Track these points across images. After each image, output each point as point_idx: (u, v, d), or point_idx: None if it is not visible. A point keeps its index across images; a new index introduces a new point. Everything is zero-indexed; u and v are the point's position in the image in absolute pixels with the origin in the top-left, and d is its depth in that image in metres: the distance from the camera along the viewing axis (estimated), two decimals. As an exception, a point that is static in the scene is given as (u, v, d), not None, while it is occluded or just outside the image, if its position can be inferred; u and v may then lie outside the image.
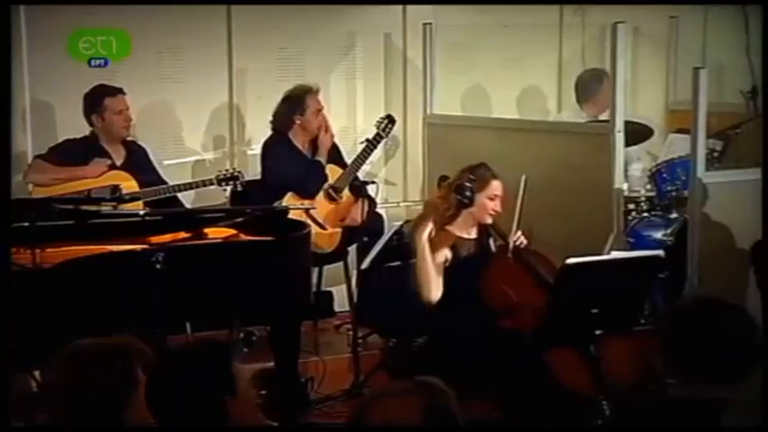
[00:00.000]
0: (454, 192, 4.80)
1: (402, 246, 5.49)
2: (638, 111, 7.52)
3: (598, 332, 4.28)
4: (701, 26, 7.66)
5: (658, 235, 5.96)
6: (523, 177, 4.76)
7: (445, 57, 6.95)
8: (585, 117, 6.66)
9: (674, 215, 6.05)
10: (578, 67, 7.15)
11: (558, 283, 4.35)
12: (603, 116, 6.48)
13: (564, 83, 7.12)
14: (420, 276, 4.70)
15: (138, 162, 6.01)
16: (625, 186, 5.99)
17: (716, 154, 6.17)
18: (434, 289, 4.69)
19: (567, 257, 4.33)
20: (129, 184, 5.75)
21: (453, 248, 4.78)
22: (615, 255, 4.86)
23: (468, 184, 4.80)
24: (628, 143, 5.82)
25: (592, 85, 6.74)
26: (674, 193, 6.06)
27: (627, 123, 5.77)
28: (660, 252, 4.68)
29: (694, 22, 7.59)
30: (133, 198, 5.57)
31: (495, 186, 4.86)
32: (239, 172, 5.94)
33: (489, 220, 4.86)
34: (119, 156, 5.98)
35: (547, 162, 5.99)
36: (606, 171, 5.64)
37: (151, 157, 6.16)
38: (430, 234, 4.71)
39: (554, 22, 7.44)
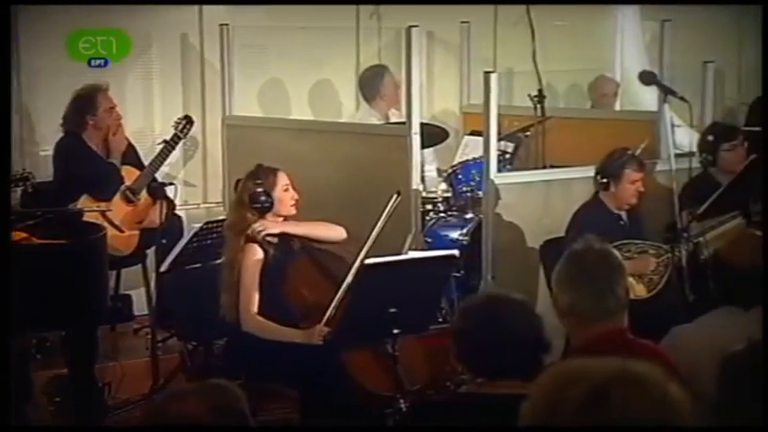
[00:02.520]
0: (251, 204, 4.77)
1: (202, 248, 5.44)
2: (433, 113, 7.71)
3: (396, 331, 4.34)
4: (492, 31, 7.90)
5: (455, 235, 6.10)
6: (396, 195, 4.77)
7: (243, 58, 6.93)
8: (377, 115, 6.76)
9: (469, 215, 6.20)
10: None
11: (355, 283, 4.40)
12: (394, 113, 6.61)
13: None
14: (245, 296, 4.66)
15: None
16: (421, 187, 6.11)
17: (507, 155, 6.36)
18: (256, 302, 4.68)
19: (365, 258, 4.39)
20: None
21: (266, 254, 4.76)
22: (412, 255, 4.94)
23: (259, 190, 4.78)
24: (424, 145, 5.94)
25: (374, 81, 6.85)
26: (469, 194, 6.21)
27: (423, 125, 5.89)
28: (455, 251, 4.79)
29: (485, 27, 7.81)
30: None
31: (283, 177, 4.87)
32: (29, 173, 5.74)
33: (294, 210, 4.87)
34: None
35: (345, 163, 6.06)
36: (403, 172, 5.74)
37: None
38: (249, 253, 4.69)
39: (351, 24, 7.52)
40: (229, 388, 2.26)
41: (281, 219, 4.85)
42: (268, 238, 4.77)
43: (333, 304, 4.48)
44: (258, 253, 4.70)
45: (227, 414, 2.19)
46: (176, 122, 6.40)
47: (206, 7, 7.01)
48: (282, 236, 4.84)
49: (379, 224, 4.64)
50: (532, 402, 1.78)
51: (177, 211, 6.41)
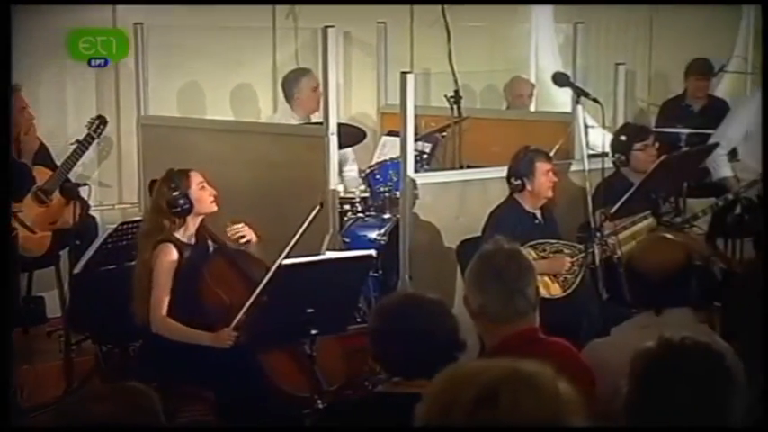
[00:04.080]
0: (170, 209, 4.73)
1: (117, 249, 5.38)
2: (351, 114, 7.72)
3: (313, 332, 4.34)
4: (408, 32, 7.94)
5: (373, 235, 6.12)
6: (318, 207, 4.74)
7: (159, 58, 6.86)
8: (297, 118, 6.76)
9: (387, 215, 6.22)
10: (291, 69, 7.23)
11: (273, 283, 4.39)
12: (315, 117, 6.61)
13: (278, 85, 7.18)
14: (156, 298, 4.62)
15: None
16: (341, 188, 6.12)
17: (425, 156, 6.40)
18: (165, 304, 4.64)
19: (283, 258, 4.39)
20: None
21: (181, 256, 4.72)
22: (329, 255, 4.94)
23: (175, 194, 4.74)
24: (341, 145, 5.95)
25: (292, 83, 6.84)
26: (386, 194, 6.23)
27: (340, 126, 5.90)
28: (372, 251, 4.80)
29: (401, 28, 7.85)
30: None
31: (197, 176, 4.83)
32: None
33: (215, 207, 4.84)
34: None
35: (262, 163, 6.04)
36: (321, 172, 5.74)
37: None
38: (163, 253, 4.65)
39: (267, 24, 7.49)
40: (142, 390, 2.25)
41: (201, 217, 4.82)
42: (182, 239, 4.74)
43: (244, 308, 4.47)
44: (173, 254, 4.66)
45: (140, 416, 2.19)
46: (89, 122, 6.33)
47: (120, 7, 6.92)
48: (198, 236, 4.82)
49: (298, 234, 4.63)
50: (426, 404, 1.79)
51: (92, 212, 6.33)
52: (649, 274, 3.34)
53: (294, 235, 4.60)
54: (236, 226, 4.85)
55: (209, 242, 4.88)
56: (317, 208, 4.72)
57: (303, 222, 4.64)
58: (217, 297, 4.65)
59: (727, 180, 6.49)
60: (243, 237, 4.84)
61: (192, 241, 4.81)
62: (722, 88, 8.75)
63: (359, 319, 5.40)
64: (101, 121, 6.36)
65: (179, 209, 4.73)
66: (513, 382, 1.74)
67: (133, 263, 4.92)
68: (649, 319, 3.31)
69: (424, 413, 1.79)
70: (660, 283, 3.31)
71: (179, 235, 4.76)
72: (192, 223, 4.80)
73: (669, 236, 3.70)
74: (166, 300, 4.62)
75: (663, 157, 5.79)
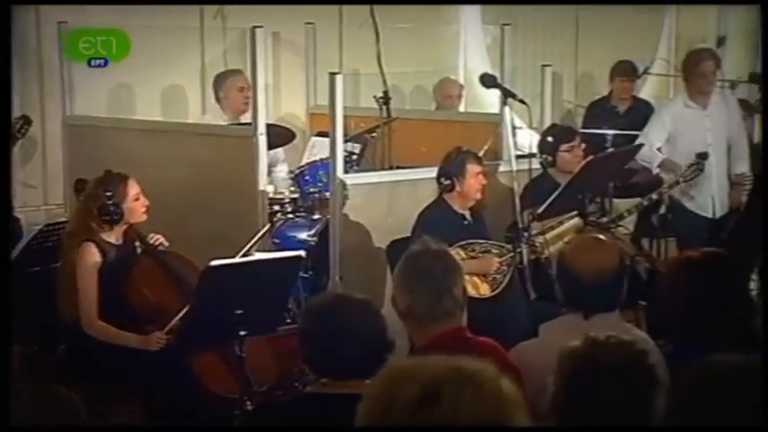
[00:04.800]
0: (100, 215, 4.68)
1: (42, 250, 5.31)
2: (280, 114, 7.70)
3: (243, 333, 4.33)
4: (337, 33, 7.94)
5: (303, 235, 6.11)
6: (269, 225, 4.73)
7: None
8: (227, 119, 6.73)
9: (317, 216, 6.21)
10: (221, 70, 7.20)
11: (201, 284, 4.36)
12: (245, 117, 6.58)
13: (207, 86, 7.14)
14: (85, 300, 4.57)
15: None
16: (270, 188, 6.11)
17: (354, 156, 6.40)
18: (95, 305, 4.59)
19: (212, 259, 4.37)
20: None
21: (104, 256, 4.68)
22: (258, 256, 4.93)
23: (109, 202, 4.69)
24: (271, 146, 5.94)
25: (224, 85, 6.80)
26: (316, 195, 6.23)
27: (269, 126, 5.88)
28: (302, 252, 4.80)
29: (330, 28, 7.84)
30: None
31: (134, 186, 4.79)
32: None
33: (145, 217, 4.80)
34: None
35: (191, 164, 6.01)
36: (250, 173, 5.72)
37: None
38: (86, 254, 4.60)
39: (195, 24, 7.44)
40: (64, 392, 2.23)
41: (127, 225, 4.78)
42: (109, 240, 4.70)
43: (180, 314, 4.45)
44: (95, 254, 4.62)
45: (63, 418, 2.17)
46: (13, 122, 6.23)
47: (43, 6, 6.83)
48: (126, 237, 4.78)
49: (244, 250, 4.64)
50: (368, 402, 1.78)
51: (16, 214, 6.23)
52: (582, 275, 3.35)
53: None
54: (158, 236, 4.84)
55: (137, 243, 4.84)
56: (268, 226, 4.74)
57: (249, 241, 4.65)
58: (145, 298, 4.62)
59: (742, 175, 6.50)
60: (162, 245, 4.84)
61: (119, 242, 4.76)
62: (646, 90, 8.89)
63: (289, 320, 5.39)
64: (25, 121, 6.27)
65: (108, 217, 4.68)
66: (456, 381, 1.73)
67: (59, 264, 4.86)
68: (577, 319, 3.34)
69: (365, 411, 1.77)
70: (593, 285, 3.34)
71: (105, 236, 4.71)
72: (120, 227, 4.76)
73: (602, 237, 3.73)
74: (95, 301, 4.57)
75: (588, 158, 5.86)
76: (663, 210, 6.11)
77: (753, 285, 6.82)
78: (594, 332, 2.52)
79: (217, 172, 5.90)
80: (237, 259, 4.50)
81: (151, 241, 4.81)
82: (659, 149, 6.54)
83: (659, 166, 6.45)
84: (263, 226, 5.71)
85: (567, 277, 3.41)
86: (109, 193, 4.68)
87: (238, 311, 4.29)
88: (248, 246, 4.76)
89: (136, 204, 4.76)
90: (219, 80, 6.85)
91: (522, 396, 1.79)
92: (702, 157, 5.96)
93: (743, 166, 6.45)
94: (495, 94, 6.20)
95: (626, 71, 7.96)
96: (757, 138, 8.57)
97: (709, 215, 6.32)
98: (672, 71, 8.60)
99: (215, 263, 4.31)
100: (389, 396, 1.74)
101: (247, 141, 5.74)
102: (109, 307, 4.60)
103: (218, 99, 6.84)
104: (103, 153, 5.99)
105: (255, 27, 5.71)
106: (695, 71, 6.22)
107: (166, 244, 4.85)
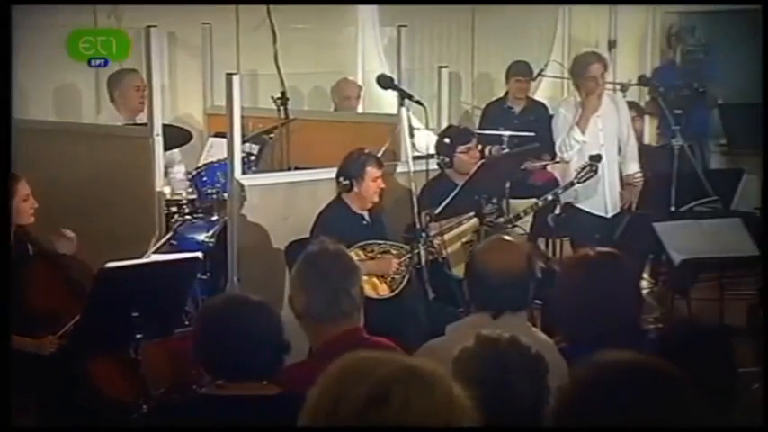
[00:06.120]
0: None
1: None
2: (177, 114, 7.62)
3: (138, 335, 4.29)
4: (234, 33, 7.89)
5: (201, 237, 6.05)
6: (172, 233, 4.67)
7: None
8: (122, 119, 6.64)
9: (215, 217, 6.17)
10: (115, 69, 7.10)
11: (96, 287, 4.31)
12: (141, 118, 6.50)
13: (101, 86, 7.04)
14: None
15: None
16: (167, 190, 6.05)
17: (252, 157, 6.38)
18: None
19: (108, 261, 4.31)
20: None
21: None
22: (154, 258, 4.89)
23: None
24: (167, 147, 5.88)
25: (118, 84, 6.72)
26: (214, 196, 6.18)
27: (165, 127, 5.83)
28: (199, 254, 4.77)
29: (227, 29, 7.80)
30: None
31: (24, 187, 4.73)
32: None
33: (32, 219, 4.72)
34: None
35: (86, 165, 5.92)
36: (146, 174, 5.66)
37: None
38: None
39: (89, 23, 7.32)
40: None
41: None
42: None
43: (75, 319, 4.38)
44: None
45: None
46: None
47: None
48: (17, 240, 4.69)
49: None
50: (316, 395, 1.73)
51: None
52: (492, 275, 3.37)
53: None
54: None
55: (29, 246, 4.76)
56: (170, 235, 4.70)
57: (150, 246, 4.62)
58: (36, 301, 4.54)
59: (632, 175, 6.58)
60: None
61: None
62: (541, 92, 9.03)
63: (187, 323, 5.34)
64: None
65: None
66: (407, 381, 1.69)
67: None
68: (486, 319, 3.36)
69: (312, 404, 1.72)
70: (502, 285, 3.36)
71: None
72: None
73: (510, 239, 3.77)
74: None
75: (484, 159, 5.94)
76: (558, 210, 6.21)
77: (643, 284, 7.04)
78: (487, 331, 2.57)
79: (113, 173, 5.82)
80: (133, 261, 4.44)
81: (58, 238, 4.74)
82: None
83: (632, 168, 6.50)
84: (161, 228, 5.67)
85: (477, 277, 3.42)
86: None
87: (135, 314, 4.24)
88: (151, 250, 4.71)
89: (23, 206, 4.69)
90: (115, 80, 6.75)
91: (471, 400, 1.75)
92: (596, 159, 6.07)
93: (634, 167, 6.58)
94: (392, 95, 6.24)
95: (521, 71, 8.07)
96: (647, 139, 8.83)
97: (602, 214, 6.44)
98: (565, 74, 8.74)
99: (110, 265, 4.26)
100: (338, 391, 1.70)
101: (143, 142, 5.68)
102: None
103: (112, 99, 6.75)
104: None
105: (150, 27, 5.65)
106: (583, 75, 6.33)
107: (74, 239, 4.77)
